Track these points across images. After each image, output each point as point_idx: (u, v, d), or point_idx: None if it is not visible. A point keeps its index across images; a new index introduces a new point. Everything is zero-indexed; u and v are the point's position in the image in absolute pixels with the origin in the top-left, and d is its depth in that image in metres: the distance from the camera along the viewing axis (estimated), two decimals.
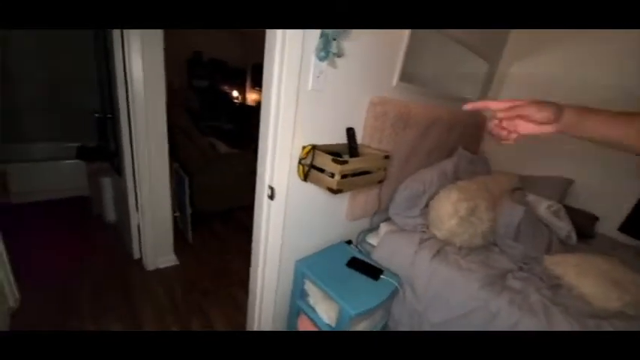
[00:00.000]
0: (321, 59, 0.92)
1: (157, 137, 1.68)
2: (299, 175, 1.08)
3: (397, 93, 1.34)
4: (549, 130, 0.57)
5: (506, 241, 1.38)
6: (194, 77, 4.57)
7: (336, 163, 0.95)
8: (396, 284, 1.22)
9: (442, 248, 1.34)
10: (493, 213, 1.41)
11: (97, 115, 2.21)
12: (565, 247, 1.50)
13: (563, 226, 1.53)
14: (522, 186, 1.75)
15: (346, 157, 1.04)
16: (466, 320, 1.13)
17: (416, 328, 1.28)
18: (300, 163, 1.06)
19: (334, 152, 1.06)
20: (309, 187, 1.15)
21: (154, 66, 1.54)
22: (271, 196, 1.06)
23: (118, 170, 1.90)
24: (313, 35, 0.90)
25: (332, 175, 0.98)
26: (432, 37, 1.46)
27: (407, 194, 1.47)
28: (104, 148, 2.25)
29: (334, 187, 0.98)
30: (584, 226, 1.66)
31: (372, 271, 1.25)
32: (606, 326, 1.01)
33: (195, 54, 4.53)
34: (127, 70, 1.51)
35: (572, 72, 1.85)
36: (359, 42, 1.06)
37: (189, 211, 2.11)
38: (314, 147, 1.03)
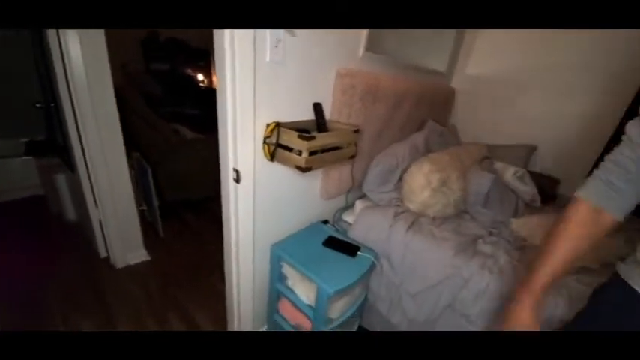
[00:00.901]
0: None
1: (108, 125, 1.53)
2: (265, 156, 1.01)
3: (364, 64, 1.29)
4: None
5: (476, 209, 1.42)
6: (151, 60, 4.21)
7: (302, 139, 0.90)
8: (373, 259, 1.22)
9: (416, 220, 1.35)
10: (464, 182, 1.44)
11: (38, 105, 1.97)
12: (530, 209, 1.57)
13: (528, 191, 1.60)
14: (490, 155, 1.80)
15: (315, 134, 0.99)
16: (441, 287, 1.16)
17: (394, 300, 1.30)
18: (264, 142, 1.00)
19: (302, 129, 1.00)
20: (277, 167, 1.09)
21: (94, 45, 1.37)
22: (237, 180, 1.00)
23: (69, 165, 1.72)
24: None
25: (299, 153, 0.93)
26: None
27: (380, 170, 1.45)
28: (53, 141, 2.04)
29: (302, 164, 0.93)
30: (548, 189, 1.75)
31: (349, 249, 1.24)
32: (572, 282, 1.07)
33: (150, 34, 4.14)
34: (64, 50, 1.33)
35: (538, 43, 1.87)
36: None
37: (156, 202, 1.99)
38: (278, 124, 0.97)
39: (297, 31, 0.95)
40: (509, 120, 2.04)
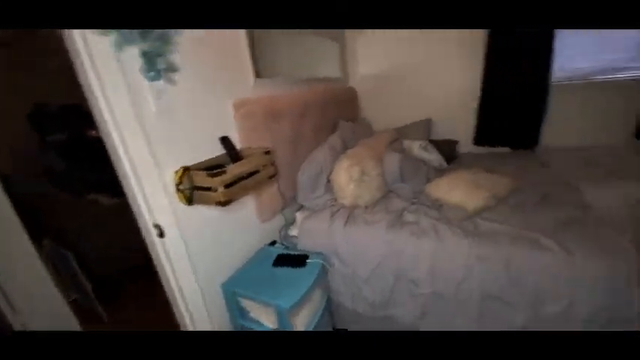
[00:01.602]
0: (152, 79, 0.87)
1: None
2: (182, 202, 1.02)
3: (259, 90, 1.38)
4: None
5: (396, 185, 1.60)
6: (46, 133, 3.75)
7: (212, 176, 0.93)
8: (321, 262, 1.29)
9: (351, 213, 1.47)
10: (381, 166, 1.61)
11: None
12: (440, 172, 1.82)
13: (434, 158, 1.86)
14: (399, 136, 2.04)
15: (229, 166, 1.03)
16: (384, 263, 1.29)
17: (354, 291, 1.39)
18: (178, 189, 1.00)
19: (216, 165, 1.04)
20: (202, 208, 1.10)
21: None
22: (161, 235, 0.98)
23: None
24: (131, 55, 0.84)
25: (215, 190, 0.96)
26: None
27: (306, 178, 1.55)
28: None
29: (221, 199, 0.96)
30: (449, 151, 2.05)
31: (298, 260, 1.30)
32: (480, 222, 1.28)
33: (37, 106, 3.70)
34: None
35: (414, 42, 2.20)
36: (194, 52, 1.04)
37: (89, 286, 1.78)
38: (187, 169, 0.99)
39: (184, 74, 0.99)
40: (407, 103, 2.35)
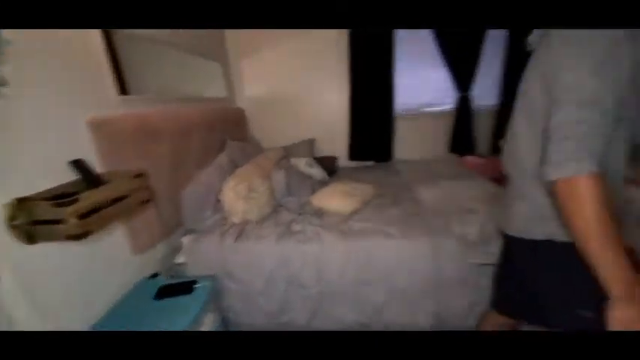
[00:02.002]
0: None
1: None
2: (21, 241, 0.82)
3: (127, 107, 1.27)
4: None
5: (284, 200, 1.74)
6: None
7: (58, 206, 0.80)
8: (210, 283, 1.26)
9: (242, 229, 1.50)
10: (269, 182, 1.71)
11: None
12: (323, 185, 2.07)
13: (317, 172, 2.11)
14: (287, 154, 2.22)
15: (86, 193, 0.90)
16: (277, 272, 1.37)
17: (249, 305, 1.40)
18: (11, 226, 0.81)
19: (70, 193, 0.88)
20: (53, 245, 0.91)
21: None
22: None
23: None
24: None
25: (66, 222, 0.82)
26: (145, 43, 1.45)
27: (192, 200, 1.49)
28: None
29: (75, 232, 0.83)
30: (330, 166, 2.36)
31: (185, 288, 1.22)
32: (352, 223, 1.52)
33: None
34: None
35: (291, 63, 2.45)
36: (34, 64, 0.89)
37: None
38: (21, 200, 0.81)
39: (20, 89, 0.82)
40: (293, 124, 2.59)
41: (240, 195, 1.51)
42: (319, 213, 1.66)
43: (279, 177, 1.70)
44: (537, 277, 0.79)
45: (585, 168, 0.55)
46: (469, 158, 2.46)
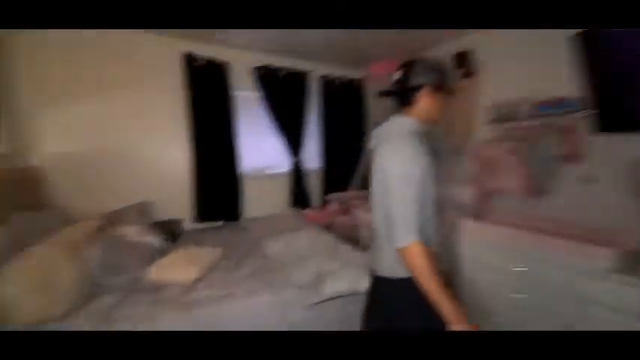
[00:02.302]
0: None
1: None
2: None
3: None
4: None
5: (107, 280, 1.41)
6: None
7: None
8: None
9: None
10: (78, 262, 1.35)
11: None
12: (163, 254, 1.83)
13: (154, 240, 1.86)
14: (110, 222, 1.84)
15: None
16: None
17: None
18: None
19: None
20: None
21: None
22: None
23: None
24: None
25: None
26: None
27: None
28: None
29: None
30: (173, 230, 2.15)
31: None
32: (196, 293, 1.40)
33: None
34: None
35: (117, 112, 2.16)
36: None
37: None
38: None
39: None
40: (119, 185, 2.21)
41: (30, 288, 1.11)
42: (156, 287, 1.45)
43: (94, 253, 1.39)
44: (401, 308, 0.93)
45: (411, 239, 0.82)
46: (307, 211, 2.91)
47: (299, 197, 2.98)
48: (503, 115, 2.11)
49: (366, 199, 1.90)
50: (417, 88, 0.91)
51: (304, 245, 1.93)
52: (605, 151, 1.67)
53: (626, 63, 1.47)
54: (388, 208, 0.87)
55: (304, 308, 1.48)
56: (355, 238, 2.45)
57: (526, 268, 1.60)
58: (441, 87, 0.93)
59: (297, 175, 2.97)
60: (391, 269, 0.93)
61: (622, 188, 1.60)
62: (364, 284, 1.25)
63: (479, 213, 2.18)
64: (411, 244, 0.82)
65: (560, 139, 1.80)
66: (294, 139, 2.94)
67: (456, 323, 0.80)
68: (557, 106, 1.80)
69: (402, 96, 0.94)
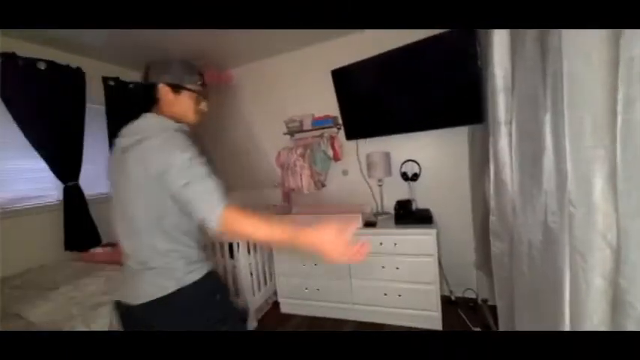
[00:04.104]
0: None
1: None
2: None
3: None
4: None
5: None
6: None
7: None
8: None
9: None
10: None
11: None
12: None
13: None
14: None
15: None
16: None
17: None
18: None
19: None
20: None
21: None
22: None
23: None
24: None
25: None
26: None
27: None
28: None
29: None
30: None
31: None
32: None
33: None
34: None
35: None
36: None
37: None
38: None
39: None
40: None
41: None
42: None
43: None
44: (174, 324, 0.86)
45: (219, 208, 0.75)
46: (93, 251, 2.19)
47: (79, 234, 2.20)
48: (294, 128, 2.61)
49: None
50: (153, 86, 0.93)
51: (91, 293, 1.45)
52: (351, 152, 2.53)
53: (358, 91, 2.27)
54: (181, 201, 0.79)
55: None
56: None
57: None
58: (179, 87, 0.95)
59: (74, 205, 2.19)
60: (158, 287, 0.85)
61: (363, 176, 2.47)
62: None
63: (285, 209, 2.57)
64: (221, 212, 0.75)
65: (329, 144, 2.48)
66: (65, 160, 2.15)
67: (321, 245, 0.73)
68: (324, 120, 2.48)
69: (145, 94, 0.95)
